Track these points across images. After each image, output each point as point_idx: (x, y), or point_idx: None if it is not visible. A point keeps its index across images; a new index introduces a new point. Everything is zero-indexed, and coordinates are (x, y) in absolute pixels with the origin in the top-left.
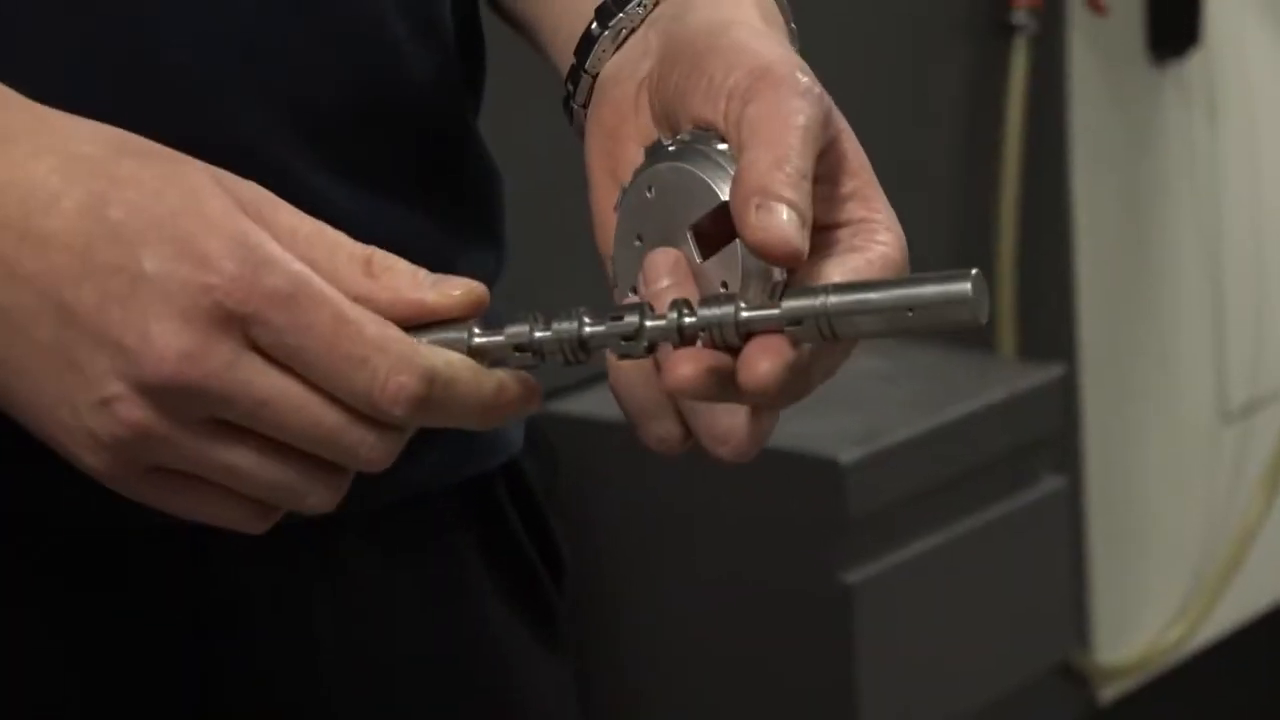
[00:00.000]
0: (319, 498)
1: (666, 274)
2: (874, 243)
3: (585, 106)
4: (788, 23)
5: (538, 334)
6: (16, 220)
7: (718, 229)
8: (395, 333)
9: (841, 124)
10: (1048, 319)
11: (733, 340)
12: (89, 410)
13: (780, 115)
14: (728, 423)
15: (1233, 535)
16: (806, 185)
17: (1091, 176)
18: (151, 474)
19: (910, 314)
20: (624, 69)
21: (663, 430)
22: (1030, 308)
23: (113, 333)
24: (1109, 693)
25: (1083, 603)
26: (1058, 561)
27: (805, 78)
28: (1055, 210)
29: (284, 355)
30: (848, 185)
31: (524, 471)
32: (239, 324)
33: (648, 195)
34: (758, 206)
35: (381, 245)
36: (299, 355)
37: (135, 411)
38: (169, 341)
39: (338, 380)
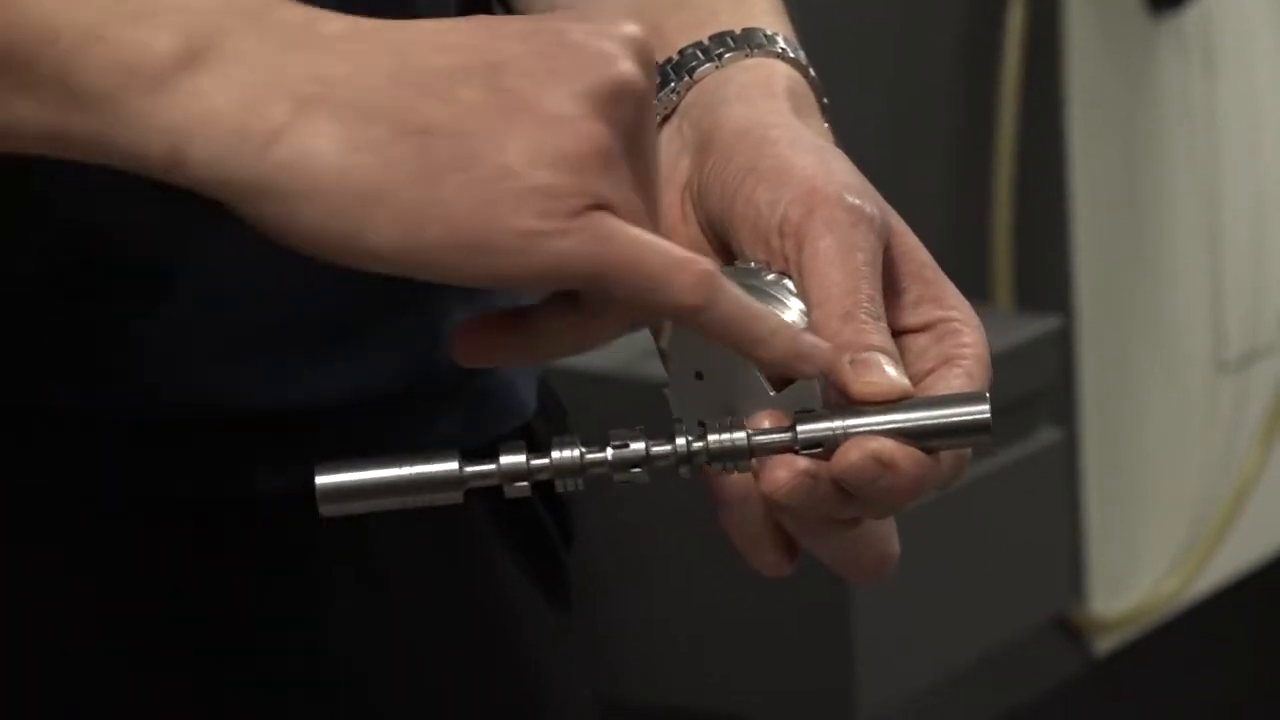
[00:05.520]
0: None
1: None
2: (963, 347)
3: None
4: (819, 98)
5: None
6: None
7: None
8: None
9: (894, 225)
10: (1044, 271)
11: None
12: (550, 137)
13: (838, 256)
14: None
15: (1230, 487)
16: (883, 324)
17: (1088, 128)
18: (585, 216)
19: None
20: (663, 166)
21: (772, 559)
22: (1027, 259)
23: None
24: (1105, 644)
25: (1079, 554)
26: (1054, 513)
27: (852, 198)
28: (1052, 162)
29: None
30: (912, 289)
31: (536, 434)
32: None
33: None
34: (852, 363)
35: None
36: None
37: (598, 126)
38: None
39: None
